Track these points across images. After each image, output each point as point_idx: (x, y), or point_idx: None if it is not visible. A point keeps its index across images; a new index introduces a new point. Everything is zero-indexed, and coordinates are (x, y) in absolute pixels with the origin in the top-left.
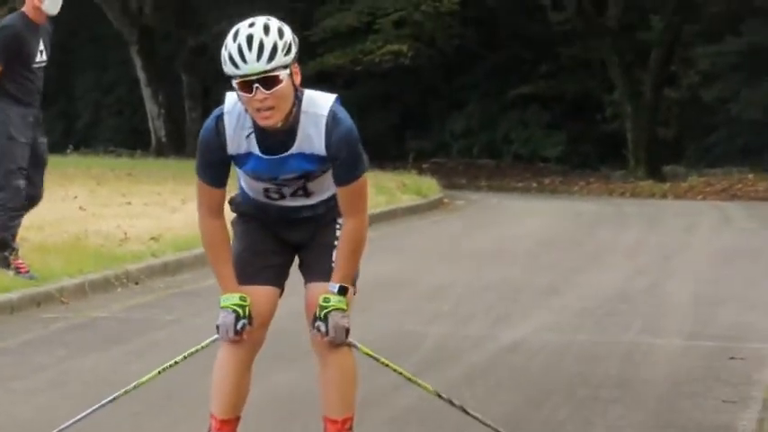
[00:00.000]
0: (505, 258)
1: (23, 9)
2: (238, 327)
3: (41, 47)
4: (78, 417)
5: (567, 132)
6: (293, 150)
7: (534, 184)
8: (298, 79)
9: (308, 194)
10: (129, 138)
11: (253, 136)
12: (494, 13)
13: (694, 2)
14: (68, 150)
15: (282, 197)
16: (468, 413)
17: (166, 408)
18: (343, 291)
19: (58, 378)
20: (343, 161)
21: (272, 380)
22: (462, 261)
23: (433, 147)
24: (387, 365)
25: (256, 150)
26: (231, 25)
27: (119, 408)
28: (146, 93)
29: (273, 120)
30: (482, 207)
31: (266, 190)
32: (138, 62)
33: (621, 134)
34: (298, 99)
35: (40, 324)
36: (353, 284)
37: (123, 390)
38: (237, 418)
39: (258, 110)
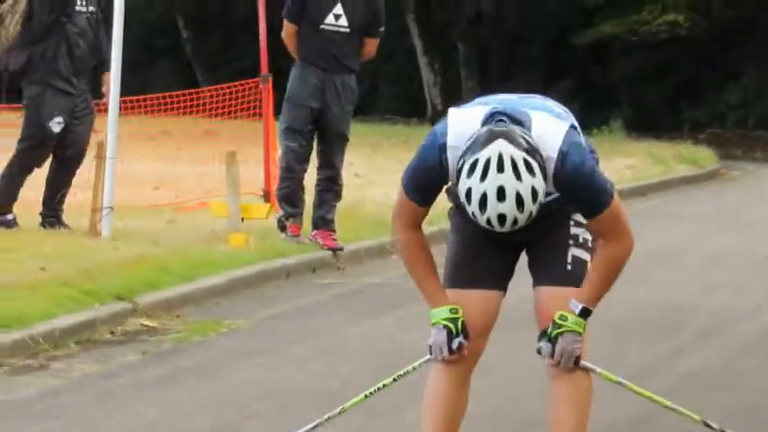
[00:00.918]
0: None
1: None
2: (454, 346)
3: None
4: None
5: None
6: None
7: None
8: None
9: None
10: (404, 106)
11: None
12: None
13: None
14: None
15: None
16: None
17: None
18: (585, 313)
19: (334, 344)
20: (581, 199)
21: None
22: (740, 231)
23: (708, 118)
24: (640, 394)
25: None
26: None
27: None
28: (422, 61)
29: None
30: (759, 178)
31: None
32: (414, 30)
33: None
34: None
35: (315, 289)
36: None
37: (326, 416)
38: None
39: None
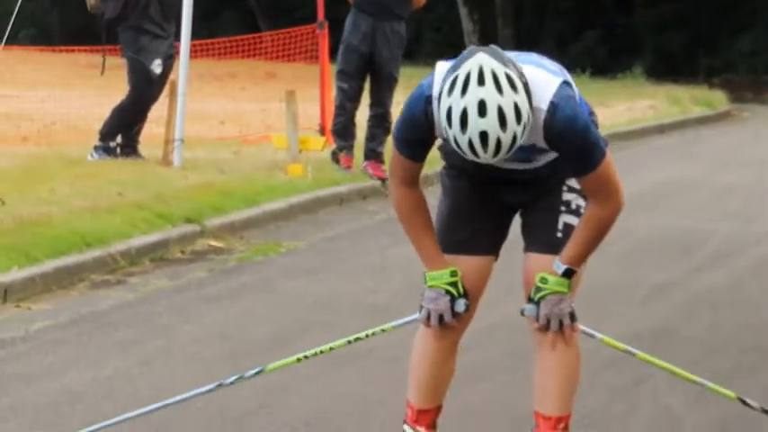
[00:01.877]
0: None
1: None
2: (461, 309)
3: None
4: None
5: None
6: None
7: None
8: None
9: (529, 161)
10: (446, 51)
11: None
12: None
13: None
14: None
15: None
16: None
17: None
18: (568, 273)
19: (380, 264)
20: (573, 155)
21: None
22: (749, 167)
23: (722, 65)
24: (647, 361)
25: None
26: None
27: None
28: (462, 11)
29: None
30: (767, 119)
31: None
32: None
33: None
34: None
35: (365, 215)
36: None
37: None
38: (439, 407)
39: None
